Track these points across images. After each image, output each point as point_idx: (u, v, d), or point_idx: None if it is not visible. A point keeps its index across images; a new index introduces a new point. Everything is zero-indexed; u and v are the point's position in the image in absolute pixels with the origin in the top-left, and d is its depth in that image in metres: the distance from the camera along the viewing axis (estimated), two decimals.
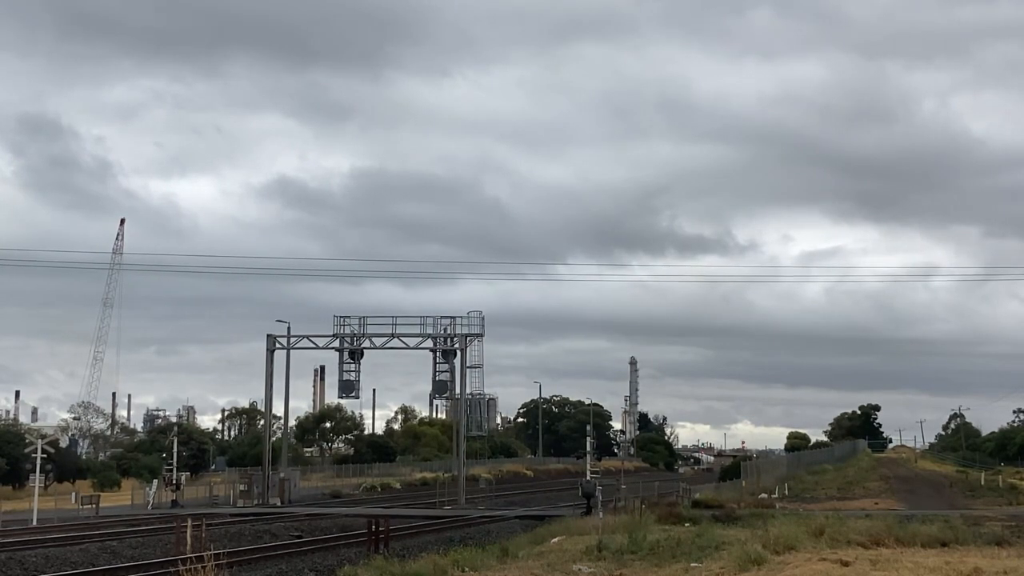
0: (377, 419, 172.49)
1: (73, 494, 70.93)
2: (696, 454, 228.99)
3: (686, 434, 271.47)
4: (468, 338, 74.52)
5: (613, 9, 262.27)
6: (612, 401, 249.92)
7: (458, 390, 75.88)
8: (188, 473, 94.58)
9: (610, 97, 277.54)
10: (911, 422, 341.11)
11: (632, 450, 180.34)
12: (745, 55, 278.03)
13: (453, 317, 75.25)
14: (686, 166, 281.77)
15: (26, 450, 71.77)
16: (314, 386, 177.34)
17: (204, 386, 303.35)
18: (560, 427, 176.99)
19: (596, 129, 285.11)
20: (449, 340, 74.86)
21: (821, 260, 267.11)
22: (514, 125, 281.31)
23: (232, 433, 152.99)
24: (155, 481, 77.41)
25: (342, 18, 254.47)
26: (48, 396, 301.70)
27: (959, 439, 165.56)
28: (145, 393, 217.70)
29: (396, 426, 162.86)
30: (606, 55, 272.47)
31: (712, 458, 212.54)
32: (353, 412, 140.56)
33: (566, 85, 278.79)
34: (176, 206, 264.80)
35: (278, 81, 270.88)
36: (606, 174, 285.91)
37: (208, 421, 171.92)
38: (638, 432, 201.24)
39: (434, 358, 75.63)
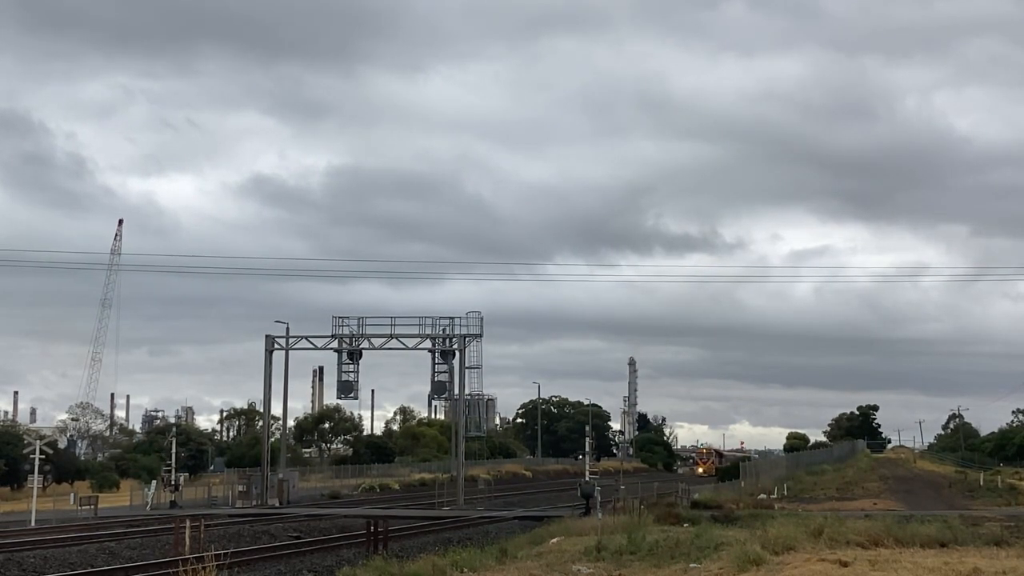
0: (375, 420, 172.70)
1: (72, 495, 70.87)
2: (695, 455, 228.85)
3: (685, 434, 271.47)
4: (467, 339, 74.53)
5: (586, 3, 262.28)
6: (610, 401, 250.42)
7: (457, 391, 75.89)
8: (187, 474, 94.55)
9: (588, 93, 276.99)
10: (910, 422, 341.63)
11: (631, 450, 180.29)
12: (723, 51, 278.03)
13: (452, 317, 75.40)
14: (669, 164, 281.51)
15: (24, 451, 71.69)
16: (312, 387, 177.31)
17: (198, 387, 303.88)
18: (559, 428, 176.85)
19: (576, 126, 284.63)
20: (448, 341, 74.85)
21: (810, 259, 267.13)
22: (492, 121, 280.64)
23: (230, 434, 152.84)
24: (154, 482, 77.35)
25: (310, 12, 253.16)
26: (41, 396, 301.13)
27: (958, 439, 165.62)
28: (139, 394, 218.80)
29: (395, 427, 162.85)
30: (582, 50, 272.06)
31: None
32: (352, 413, 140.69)
33: (543, 81, 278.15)
34: (156, 204, 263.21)
35: (253, 78, 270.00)
36: (589, 172, 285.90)
37: (204, 422, 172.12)
38: (637, 432, 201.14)
39: (433, 359, 75.61)
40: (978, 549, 29.49)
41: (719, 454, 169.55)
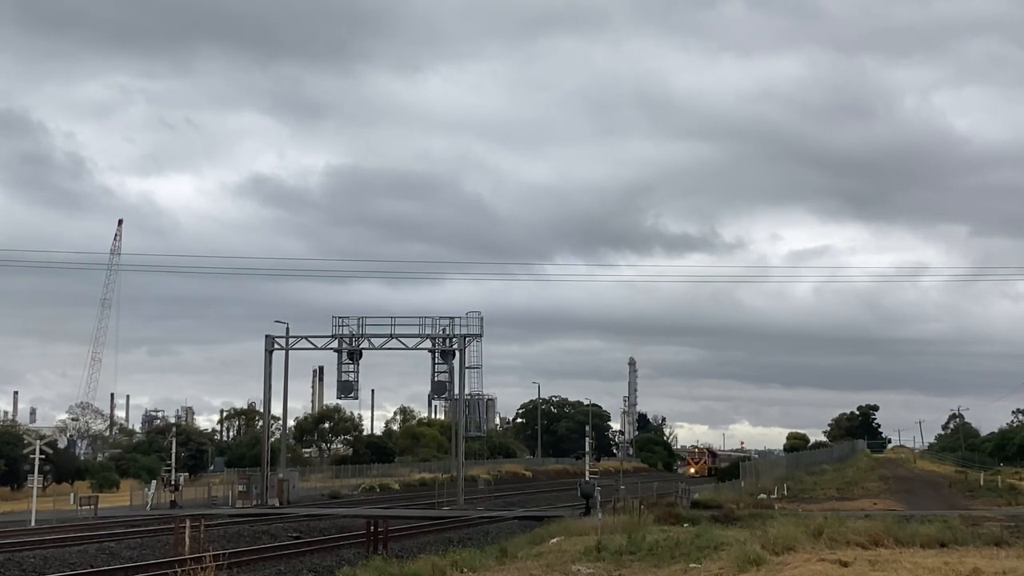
0: (375, 420, 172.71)
1: (72, 495, 70.87)
2: (686, 455, 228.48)
3: (685, 434, 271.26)
4: (466, 339, 74.52)
5: (585, 2, 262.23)
6: (610, 401, 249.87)
7: (457, 391, 75.88)
8: (187, 474, 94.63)
9: (588, 93, 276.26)
10: (910, 422, 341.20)
11: (631, 450, 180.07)
12: (722, 51, 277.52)
13: (452, 317, 75.40)
14: (669, 164, 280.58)
15: (24, 451, 71.70)
16: (312, 387, 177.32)
17: (198, 387, 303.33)
18: (559, 428, 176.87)
19: (575, 126, 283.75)
20: (448, 341, 74.85)
21: (810, 259, 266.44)
22: (492, 121, 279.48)
23: (230, 434, 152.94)
24: (154, 482, 77.42)
25: (309, 12, 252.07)
26: (40, 396, 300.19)
27: (958, 439, 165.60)
28: (139, 394, 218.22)
29: (395, 427, 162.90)
30: (581, 50, 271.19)
31: None
32: (352, 413, 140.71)
33: (542, 81, 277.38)
34: (155, 204, 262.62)
35: (252, 78, 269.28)
36: (588, 172, 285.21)
37: (204, 422, 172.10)
38: (637, 432, 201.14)
39: (433, 359, 75.61)
40: (978, 549, 29.48)
41: (712, 454, 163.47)
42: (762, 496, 70.02)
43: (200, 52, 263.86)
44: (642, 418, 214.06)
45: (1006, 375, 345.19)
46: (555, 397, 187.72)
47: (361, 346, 75.56)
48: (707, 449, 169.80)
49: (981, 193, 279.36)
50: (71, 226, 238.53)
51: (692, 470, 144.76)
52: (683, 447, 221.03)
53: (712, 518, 45.10)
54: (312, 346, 76.73)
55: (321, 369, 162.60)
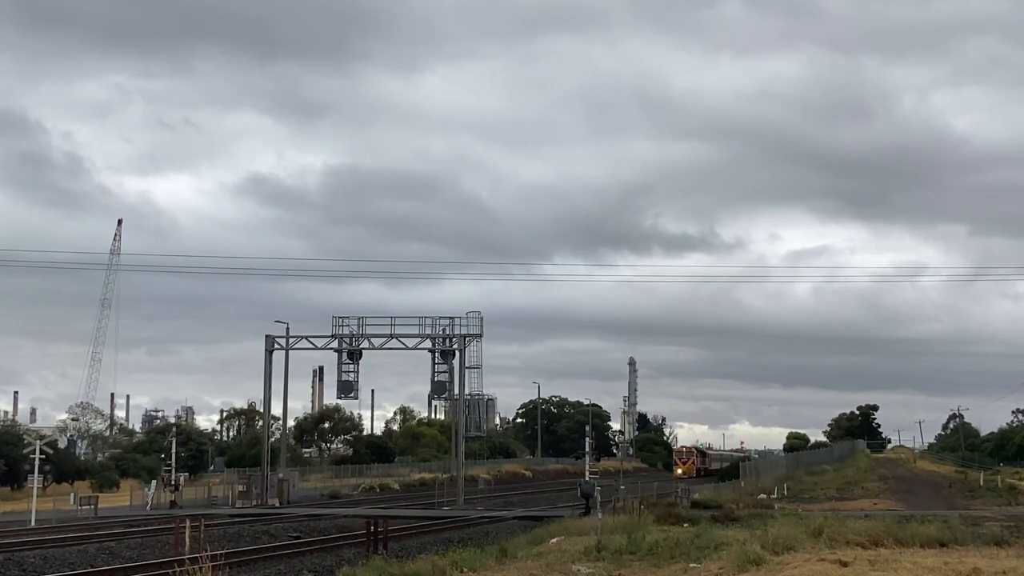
0: (375, 420, 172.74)
1: (72, 495, 70.91)
2: (675, 454, 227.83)
3: (685, 434, 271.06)
4: (466, 339, 74.52)
5: (583, 2, 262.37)
6: (610, 401, 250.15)
7: (457, 391, 75.89)
8: (187, 474, 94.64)
9: (586, 93, 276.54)
10: (909, 422, 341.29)
11: (631, 450, 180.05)
12: (720, 50, 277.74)
13: (452, 317, 75.42)
14: (667, 164, 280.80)
15: (24, 451, 71.71)
16: (312, 387, 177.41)
17: (198, 386, 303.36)
18: (559, 428, 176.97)
19: (574, 126, 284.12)
20: (448, 341, 74.86)
21: (809, 259, 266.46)
22: (490, 121, 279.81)
23: (230, 434, 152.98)
24: (154, 482, 77.44)
25: (307, 11, 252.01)
26: (40, 396, 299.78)
27: (958, 439, 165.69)
28: (139, 394, 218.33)
29: (395, 427, 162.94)
30: (580, 50, 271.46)
31: None
32: (352, 413, 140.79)
33: (541, 80, 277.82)
34: (153, 204, 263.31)
35: (250, 77, 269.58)
36: (587, 172, 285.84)
37: (204, 422, 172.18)
38: (637, 432, 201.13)
39: (433, 359, 75.63)
40: (978, 549, 29.49)
41: (701, 453, 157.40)
42: (762, 496, 70.02)
43: (198, 52, 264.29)
44: (642, 418, 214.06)
45: (1006, 375, 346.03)
46: (555, 397, 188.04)
47: (361, 346, 75.58)
48: (695, 449, 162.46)
49: (980, 193, 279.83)
50: (70, 226, 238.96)
51: (679, 470, 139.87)
52: (682, 447, 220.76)
53: (712, 518, 45.10)
54: (312, 346, 76.76)
55: (321, 369, 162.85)
